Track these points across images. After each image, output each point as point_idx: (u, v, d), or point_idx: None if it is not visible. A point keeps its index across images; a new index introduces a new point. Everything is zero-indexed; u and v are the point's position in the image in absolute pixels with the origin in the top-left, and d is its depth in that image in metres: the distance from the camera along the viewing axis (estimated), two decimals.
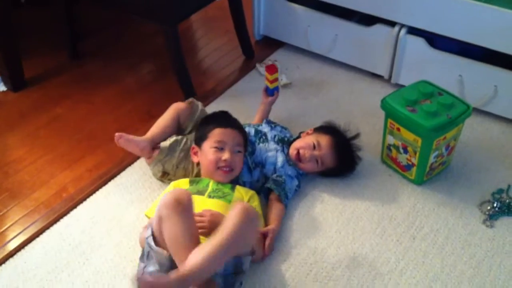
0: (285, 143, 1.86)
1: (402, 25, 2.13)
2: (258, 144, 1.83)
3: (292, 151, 1.81)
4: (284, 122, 2.07)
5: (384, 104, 1.78)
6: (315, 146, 1.77)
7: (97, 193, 1.87)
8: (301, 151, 1.78)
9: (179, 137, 1.82)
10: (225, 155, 1.65)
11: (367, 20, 2.23)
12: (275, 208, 1.69)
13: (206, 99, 2.27)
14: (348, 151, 1.81)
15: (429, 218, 1.72)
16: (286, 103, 2.24)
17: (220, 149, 1.67)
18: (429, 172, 1.81)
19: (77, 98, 2.33)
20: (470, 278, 1.53)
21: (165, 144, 1.79)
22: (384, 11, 2.14)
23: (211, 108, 2.18)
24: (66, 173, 1.95)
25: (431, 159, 1.75)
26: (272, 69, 1.98)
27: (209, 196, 1.59)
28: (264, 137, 1.85)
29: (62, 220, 1.78)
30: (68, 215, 1.79)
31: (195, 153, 1.73)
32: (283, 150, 1.83)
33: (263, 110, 2.05)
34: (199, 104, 1.94)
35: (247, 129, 1.86)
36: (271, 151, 1.81)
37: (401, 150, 1.80)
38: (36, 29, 2.78)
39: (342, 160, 1.79)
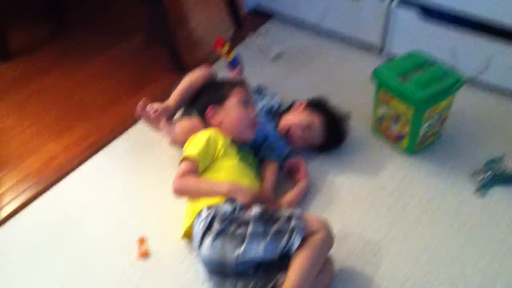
0: (272, 113, 1.85)
1: None
2: None
3: (283, 126, 1.80)
4: (276, 90, 2.06)
5: (376, 74, 1.77)
6: (306, 127, 1.77)
7: (88, 162, 1.86)
8: (292, 130, 1.77)
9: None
10: (252, 111, 1.66)
11: None
12: (271, 172, 1.69)
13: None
14: (338, 132, 1.81)
15: (420, 188, 1.72)
16: (276, 74, 2.23)
17: (246, 106, 1.65)
18: (421, 142, 1.81)
19: (65, 69, 2.31)
20: (461, 246, 1.54)
21: None
22: None
23: None
24: (55, 143, 1.94)
25: (423, 129, 1.75)
26: (220, 42, 1.93)
27: (255, 175, 1.62)
28: None
29: (52, 189, 1.77)
30: (58, 184, 1.79)
31: (214, 114, 1.65)
32: (272, 120, 1.82)
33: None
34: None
35: None
36: (260, 120, 1.80)
37: (393, 120, 1.80)
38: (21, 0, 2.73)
39: (331, 140, 1.80)
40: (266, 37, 2.42)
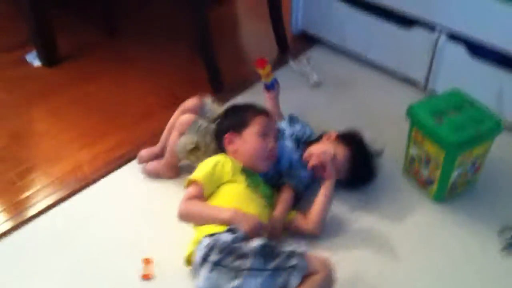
0: (301, 142, 1.80)
1: (442, 30, 2.01)
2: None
3: (307, 154, 1.74)
4: (309, 121, 1.99)
5: (410, 111, 1.69)
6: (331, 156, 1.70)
7: (112, 174, 1.88)
8: (314, 158, 1.70)
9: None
10: (272, 143, 1.60)
11: (407, 22, 2.12)
12: (284, 199, 1.64)
13: (233, 91, 2.23)
14: (365, 168, 1.73)
15: (444, 238, 1.62)
16: (314, 101, 2.18)
17: (265, 136, 1.60)
18: (450, 190, 1.70)
19: (108, 77, 2.35)
20: None
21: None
22: (424, 13, 2.03)
23: (237, 101, 2.15)
24: (85, 152, 1.97)
25: (454, 175, 1.65)
26: (261, 63, 1.88)
27: (265, 204, 1.56)
28: (281, 134, 1.80)
29: (72, 198, 1.80)
30: (80, 194, 1.81)
31: (231, 141, 1.62)
32: (298, 149, 1.77)
33: (271, 107, 1.96)
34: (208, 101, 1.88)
35: None
36: (286, 148, 1.75)
37: (424, 163, 1.70)
38: (73, 6, 2.81)
39: (356, 176, 1.72)
40: (309, 63, 2.38)
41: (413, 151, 1.74)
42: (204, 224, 1.43)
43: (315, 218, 1.59)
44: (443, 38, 2.02)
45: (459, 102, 1.67)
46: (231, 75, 2.30)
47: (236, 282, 1.26)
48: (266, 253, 1.30)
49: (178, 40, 2.56)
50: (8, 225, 1.69)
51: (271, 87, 1.95)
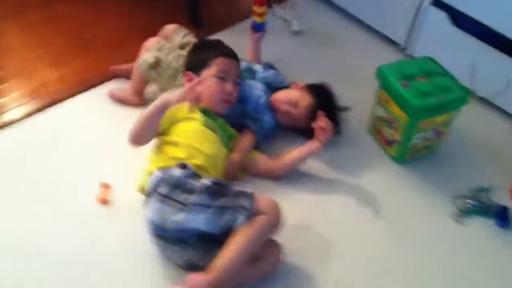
0: (271, 88, 1.80)
1: None
2: (245, 80, 1.77)
3: (272, 99, 1.75)
4: (283, 69, 1.99)
5: (379, 73, 1.69)
6: (293, 103, 1.71)
7: (77, 97, 1.86)
8: (276, 103, 1.72)
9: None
10: (229, 87, 1.59)
11: None
12: (245, 140, 1.65)
13: (211, 29, 2.19)
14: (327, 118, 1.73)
15: (397, 199, 1.65)
16: (291, 50, 2.16)
17: (223, 79, 1.59)
18: (411, 153, 1.73)
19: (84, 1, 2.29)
20: (420, 266, 1.48)
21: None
22: None
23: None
24: (52, 71, 1.94)
25: (415, 139, 1.67)
26: (260, 1, 1.84)
27: (223, 144, 1.56)
28: (253, 75, 1.80)
29: (37, 114, 1.79)
30: (43, 112, 1.80)
31: (190, 80, 1.59)
32: (267, 94, 1.77)
33: (252, 48, 1.96)
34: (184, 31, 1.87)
35: (241, 63, 1.80)
36: (256, 89, 1.75)
37: (387, 124, 1.72)
38: None
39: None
40: (293, 10, 2.34)
41: (379, 111, 1.75)
42: (152, 130, 1.42)
43: (285, 162, 1.63)
44: (427, 2, 1.99)
45: (430, 69, 1.67)
46: (212, 13, 2.26)
47: (181, 215, 1.28)
48: (214, 190, 1.30)
49: None
50: None
51: (260, 28, 1.92)
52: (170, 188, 1.31)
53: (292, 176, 1.67)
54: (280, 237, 1.40)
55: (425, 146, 1.73)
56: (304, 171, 1.69)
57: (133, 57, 1.81)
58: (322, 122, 1.58)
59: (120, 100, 1.81)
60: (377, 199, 1.64)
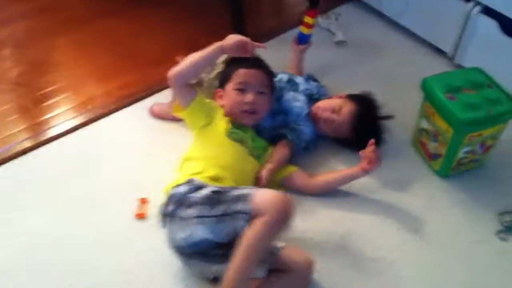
0: (313, 99, 1.78)
1: (477, 3, 1.91)
2: (288, 91, 1.76)
3: (314, 107, 1.73)
4: (327, 80, 1.97)
5: (423, 85, 1.64)
6: (335, 110, 1.68)
7: (121, 111, 1.91)
8: (318, 111, 1.70)
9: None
10: (248, 97, 1.56)
11: None
12: (279, 151, 1.62)
13: (257, 40, 2.16)
14: (369, 127, 1.69)
15: (440, 215, 1.59)
16: (335, 60, 2.13)
17: (243, 90, 1.58)
18: (456, 167, 1.66)
19: (133, 14, 2.34)
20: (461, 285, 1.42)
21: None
22: None
23: (257, 52, 2.11)
24: (98, 86, 2.00)
25: (460, 153, 1.61)
26: (313, 12, 1.82)
27: (250, 154, 1.55)
28: (295, 87, 1.78)
29: (82, 129, 1.84)
30: (88, 126, 1.85)
31: (220, 97, 1.63)
32: (308, 105, 1.75)
33: (296, 59, 1.94)
34: None
35: (281, 75, 1.80)
36: (298, 102, 1.74)
37: (432, 137, 1.66)
38: None
39: (358, 134, 1.68)
40: (337, 20, 2.31)
41: (423, 124, 1.69)
42: (197, 72, 1.51)
43: (321, 183, 1.61)
44: (476, 10, 1.92)
45: (478, 80, 1.60)
46: (256, 25, 2.26)
47: (186, 231, 1.28)
48: (212, 200, 1.28)
49: None
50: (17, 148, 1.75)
51: (306, 40, 1.91)
52: (176, 206, 1.32)
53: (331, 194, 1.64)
54: (316, 255, 1.38)
55: (471, 160, 1.66)
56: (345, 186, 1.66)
57: None
58: (370, 153, 1.52)
59: (159, 116, 1.83)
60: (420, 216, 1.59)
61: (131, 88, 1.97)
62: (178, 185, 1.39)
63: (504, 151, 1.74)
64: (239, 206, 1.23)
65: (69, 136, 1.81)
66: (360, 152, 1.53)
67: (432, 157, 1.70)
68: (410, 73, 2.02)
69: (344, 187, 1.64)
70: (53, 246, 1.49)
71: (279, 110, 1.71)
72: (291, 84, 1.78)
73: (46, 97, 1.94)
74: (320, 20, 2.29)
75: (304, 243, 1.46)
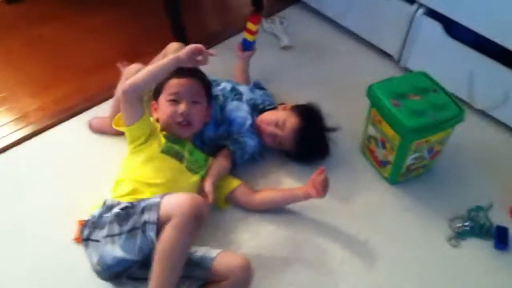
0: (257, 109, 1.73)
1: (421, 5, 1.90)
2: (232, 101, 1.70)
3: (258, 120, 1.68)
4: (273, 86, 1.93)
5: (369, 92, 1.61)
6: (278, 124, 1.63)
7: (58, 127, 1.81)
8: (262, 124, 1.65)
9: None
10: (181, 107, 1.49)
11: None
12: (219, 163, 1.56)
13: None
14: (312, 142, 1.65)
15: (390, 222, 1.58)
16: (281, 66, 2.08)
17: (175, 101, 1.51)
18: (405, 173, 1.65)
19: (67, 21, 2.23)
20: None
21: None
22: None
23: None
24: (32, 100, 1.88)
25: (409, 160, 1.59)
26: (256, 18, 1.77)
27: (188, 168, 1.49)
28: (238, 96, 1.72)
29: (13, 149, 1.73)
30: (22, 144, 1.74)
31: (155, 109, 1.56)
32: (252, 116, 1.70)
33: (241, 67, 1.89)
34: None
35: (224, 84, 1.74)
36: (242, 112, 1.68)
37: (380, 144, 1.64)
38: None
39: (302, 149, 1.65)
40: (282, 23, 2.27)
41: (371, 131, 1.67)
42: (151, 85, 1.46)
43: (264, 200, 1.55)
44: (420, 11, 1.91)
45: (423, 85, 1.59)
46: (198, 29, 2.19)
47: (98, 254, 1.24)
48: (121, 216, 1.25)
49: None
50: None
51: (249, 46, 1.85)
52: (90, 230, 1.28)
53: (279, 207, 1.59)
54: (264, 273, 1.35)
55: (420, 166, 1.65)
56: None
57: (113, 82, 1.73)
58: (318, 182, 1.45)
59: (99, 131, 1.74)
60: (370, 223, 1.57)
61: (68, 100, 1.87)
62: (95, 209, 1.35)
63: (453, 153, 1.74)
64: (146, 217, 1.20)
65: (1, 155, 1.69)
66: (312, 176, 1.48)
67: (381, 164, 1.68)
68: (357, 78, 2.00)
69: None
70: None
71: (222, 120, 1.65)
72: (235, 93, 1.72)
73: None
74: (265, 24, 2.24)
75: (252, 261, 1.40)
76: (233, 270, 1.26)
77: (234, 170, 1.61)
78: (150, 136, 1.48)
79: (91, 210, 1.36)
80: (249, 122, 1.67)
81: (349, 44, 2.21)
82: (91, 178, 1.63)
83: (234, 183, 1.57)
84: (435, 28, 1.89)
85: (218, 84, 1.72)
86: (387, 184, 1.68)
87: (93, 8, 2.28)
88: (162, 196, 1.24)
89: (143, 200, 1.28)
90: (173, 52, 1.74)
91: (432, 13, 1.88)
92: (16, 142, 1.73)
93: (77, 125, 1.80)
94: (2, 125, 1.78)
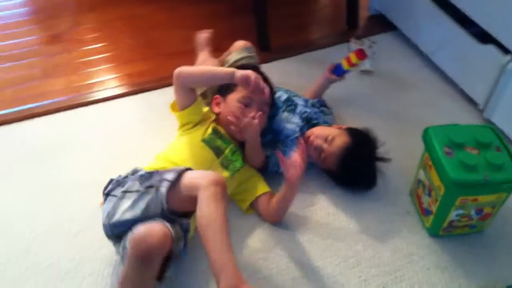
0: (310, 124, 1.69)
1: None
2: (283, 111, 1.68)
3: (308, 132, 1.65)
4: (340, 107, 1.90)
5: (425, 133, 1.51)
6: (327, 139, 1.58)
7: (124, 98, 1.90)
8: (311, 136, 1.61)
9: None
10: (251, 112, 1.52)
11: (484, 37, 1.86)
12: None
13: (279, 53, 2.13)
14: (357, 166, 1.57)
15: (416, 276, 1.46)
16: (356, 89, 2.01)
17: (246, 105, 1.55)
18: (447, 228, 1.53)
19: (163, 5, 2.33)
20: None
21: None
22: (502, 33, 1.77)
23: (277, 65, 2.07)
24: (110, 68, 2.01)
25: (452, 215, 1.47)
26: (362, 54, 1.76)
27: (221, 163, 1.50)
28: (292, 108, 1.70)
29: (79, 108, 1.86)
30: (87, 107, 1.86)
31: (217, 104, 1.60)
32: (302, 129, 1.67)
33: (320, 86, 1.86)
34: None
35: (280, 93, 1.73)
36: (291, 124, 1.66)
37: (426, 191, 1.53)
38: None
39: (345, 170, 1.57)
40: (371, 47, 2.20)
41: (421, 175, 1.57)
42: (198, 85, 1.52)
43: (276, 206, 1.52)
44: None
45: (485, 140, 1.46)
46: (282, 38, 2.19)
47: (111, 208, 1.28)
48: (143, 177, 1.30)
49: None
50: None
51: (341, 74, 1.84)
52: (113, 186, 1.33)
53: (306, 228, 1.55)
54: None
55: (466, 224, 1.52)
56: (323, 218, 1.58)
57: None
58: (294, 156, 1.40)
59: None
60: (392, 272, 1.46)
61: (142, 76, 1.97)
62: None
63: (508, 220, 1.58)
64: (166, 176, 1.26)
65: (65, 113, 1.83)
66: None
67: (424, 212, 1.57)
68: (430, 118, 1.88)
69: (322, 225, 1.55)
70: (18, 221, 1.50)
71: (270, 128, 1.63)
72: (288, 104, 1.70)
73: (51, 73, 1.98)
74: (353, 44, 2.18)
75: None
76: (204, 181, 1.22)
77: (267, 180, 1.59)
78: (199, 123, 1.53)
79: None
80: (296, 135, 1.63)
81: (434, 82, 2.09)
82: (133, 154, 1.70)
83: (263, 188, 1.56)
84: None
85: (274, 92, 1.70)
86: (427, 234, 1.56)
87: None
88: (187, 168, 1.30)
89: (169, 169, 1.33)
90: (237, 49, 1.78)
91: None
92: (81, 103, 1.84)
93: (141, 100, 1.88)
94: (72, 87, 1.92)
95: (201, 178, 1.22)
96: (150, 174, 1.31)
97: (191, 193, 1.22)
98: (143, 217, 1.23)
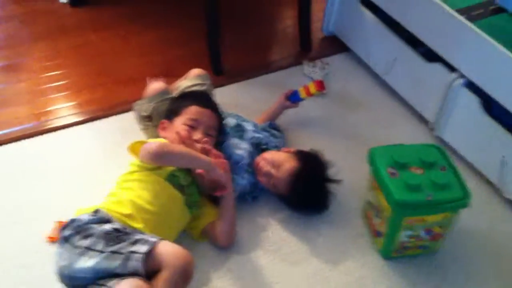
0: (260, 149, 1.68)
1: (462, 75, 1.77)
2: (232, 137, 1.67)
3: (257, 158, 1.63)
4: (294, 130, 1.90)
5: (369, 155, 1.51)
6: (275, 165, 1.57)
7: (71, 128, 1.87)
8: (260, 163, 1.60)
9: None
10: (197, 135, 1.52)
11: (432, 56, 1.88)
12: None
13: (233, 77, 2.13)
14: (307, 189, 1.56)
15: None
16: (309, 111, 2.00)
17: (192, 127, 1.53)
18: (399, 250, 1.52)
19: (116, 32, 2.31)
20: None
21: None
22: (448, 52, 1.80)
23: (231, 89, 2.06)
24: (59, 99, 1.98)
25: (401, 236, 1.47)
26: (321, 86, 1.79)
27: (185, 202, 1.47)
28: (241, 133, 1.69)
29: (25, 140, 1.81)
30: (33, 139, 1.82)
31: (164, 128, 1.59)
32: (252, 154, 1.65)
33: (274, 111, 1.87)
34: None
35: (230, 119, 1.72)
36: (240, 150, 1.64)
37: (376, 212, 1.53)
38: None
39: (295, 194, 1.56)
40: (324, 69, 2.20)
41: (370, 196, 1.56)
42: (178, 165, 1.44)
43: (222, 223, 1.51)
44: (460, 82, 1.78)
45: (430, 159, 1.47)
46: (235, 62, 2.18)
47: (69, 260, 1.23)
48: (109, 237, 1.23)
49: (194, 18, 2.32)
50: None
51: (296, 101, 1.86)
52: (73, 232, 1.26)
53: (257, 254, 1.53)
54: None
55: (417, 245, 1.51)
56: (276, 239, 1.57)
57: (138, 96, 1.78)
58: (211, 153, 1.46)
59: None
60: None
61: (92, 104, 1.95)
62: (83, 213, 1.34)
63: (461, 240, 1.59)
64: (135, 248, 1.20)
65: (12, 145, 1.80)
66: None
67: (376, 234, 1.56)
68: (384, 137, 1.89)
69: (274, 250, 1.54)
70: None
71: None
72: (237, 129, 1.69)
73: (8, 103, 1.95)
74: (305, 66, 2.19)
75: None
76: (175, 256, 1.21)
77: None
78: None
79: (77, 211, 1.36)
80: (245, 161, 1.62)
81: (386, 101, 2.10)
82: (88, 183, 1.66)
83: (212, 215, 1.53)
84: (472, 102, 1.75)
85: (223, 118, 1.70)
86: (380, 257, 1.55)
87: (146, 26, 2.35)
88: (160, 239, 1.23)
89: (137, 231, 1.29)
90: (191, 76, 1.77)
91: (472, 86, 1.74)
92: (30, 134, 1.81)
93: (95, 127, 1.87)
94: (22, 117, 1.89)
95: (172, 255, 1.20)
96: (116, 235, 1.25)
97: (159, 265, 1.19)
98: (107, 276, 1.21)
